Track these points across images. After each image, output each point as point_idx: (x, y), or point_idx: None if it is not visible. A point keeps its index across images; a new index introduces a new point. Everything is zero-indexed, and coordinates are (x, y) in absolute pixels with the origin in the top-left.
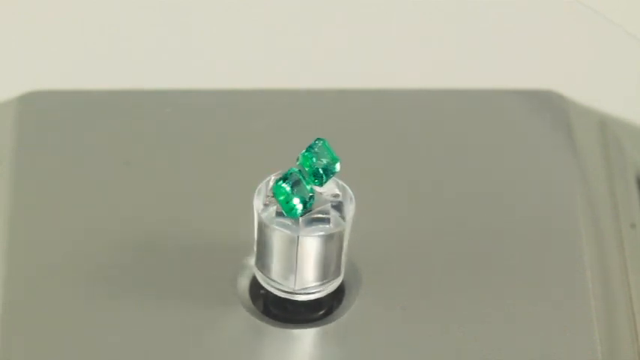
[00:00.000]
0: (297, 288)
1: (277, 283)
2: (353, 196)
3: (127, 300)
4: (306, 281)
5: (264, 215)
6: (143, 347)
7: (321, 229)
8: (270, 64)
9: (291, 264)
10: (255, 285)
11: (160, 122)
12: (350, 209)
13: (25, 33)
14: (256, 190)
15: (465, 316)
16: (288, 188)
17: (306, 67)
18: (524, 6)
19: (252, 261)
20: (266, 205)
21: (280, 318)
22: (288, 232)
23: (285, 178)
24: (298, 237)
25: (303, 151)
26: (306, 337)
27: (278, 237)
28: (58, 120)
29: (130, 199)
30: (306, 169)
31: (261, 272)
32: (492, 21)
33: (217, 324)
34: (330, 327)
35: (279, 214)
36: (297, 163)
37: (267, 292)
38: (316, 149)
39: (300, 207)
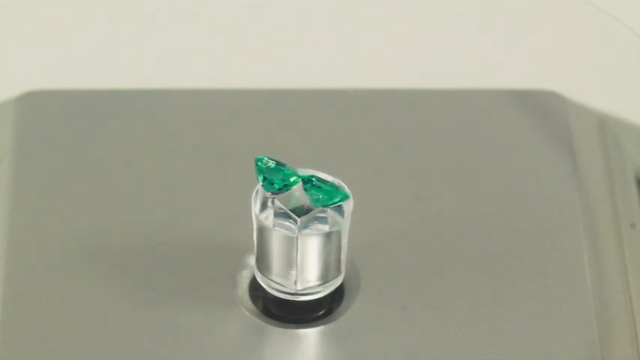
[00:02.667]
0: (298, 288)
1: (279, 285)
2: (350, 194)
3: (126, 300)
4: (307, 281)
5: (262, 217)
6: (143, 347)
7: (320, 228)
8: (270, 64)
9: (292, 264)
10: (255, 285)
11: (160, 122)
12: (348, 207)
13: (24, 33)
14: (254, 192)
15: (464, 316)
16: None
17: (306, 67)
18: (523, 6)
19: (252, 261)
20: (264, 207)
21: (280, 318)
22: (286, 232)
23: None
24: (297, 237)
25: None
26: (306, 337)
27: (277, 238)
28: (58, 120)
29: (130, 199)
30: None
31: (262, 274)
32: (492, 21)
33: (217, 324)
34: (330, 327)
35: (277, 215)
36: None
37: (267, 292)
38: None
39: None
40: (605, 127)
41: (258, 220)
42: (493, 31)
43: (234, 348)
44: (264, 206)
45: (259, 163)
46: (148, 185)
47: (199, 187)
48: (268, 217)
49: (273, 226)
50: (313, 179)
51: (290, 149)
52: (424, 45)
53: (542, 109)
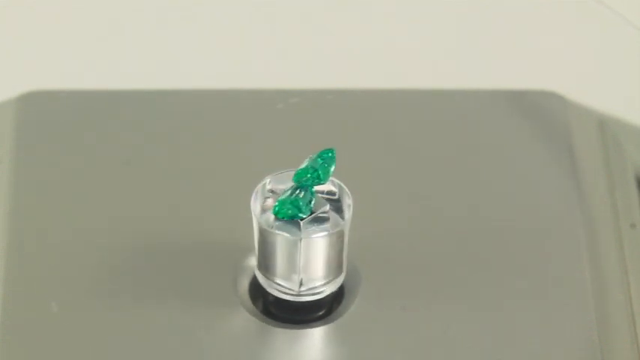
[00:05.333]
0: (300, 289)
1: (280, 286)
2: (350, 195)
3: (126, 300)
4: (308, 282)
5: (262, 219)
6: (143, 347)
7: (321, 230)
8: (271, 64)
9: (293, 266)
10: (255, 285)
11: (160, 122)
12: (348, 208)
13: (24, 33)
14: (253, 194)
15: (464, 316)
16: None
17: (306, 67)
18: (523, 6)
19: (252, 262)
20: (264, 209)
21: (280, 318)
22: (287, 234)
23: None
24: (299, 239)
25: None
26: (306, 337)
27: (277, 240)
28: (58, 120)
29: (130, 199)
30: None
31: (263, 275)
32: (493, 21)
33: (217, 324)
34: (330, 327)
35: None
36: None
37: (267, 292)
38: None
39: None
40: (605, 127)
41: (258, 223)
42: (493, 31)
43: (234, 348)
44: (264, 206)
45: (282, 211)
46: (148, 185)
47: (199, 187)
48: (268, 219)
49: (274, 228)
50: (315, 174)
51: (290, 149)
52: (424, 45)
53: (542, 109)
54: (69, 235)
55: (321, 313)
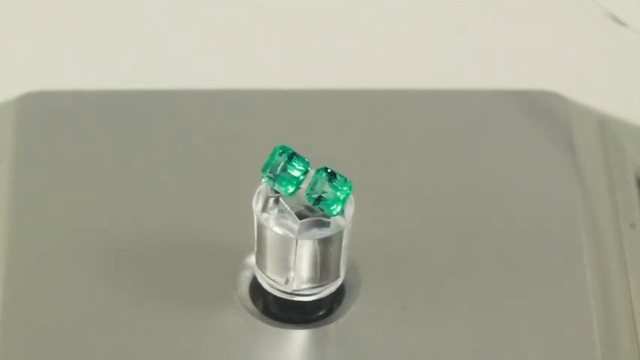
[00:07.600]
0: (297, 289)
1: (278, 285)
2: (352, 197)
3: (126, 300)
4: (306, 282)
5: (263, 218)
6: (143, 347)
7: (322, 231)
8: (270, 64)
9: (292, 266)
10: (255, 285)
11: (160, 122)
12: (349, 209)
13: (24, 33)
14: (255, 193)
15: (464, 316)
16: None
17: (306, 67)
18: (523, 6)
19: (252, 261)
20: (265, 208)
21: (280, 318)
22: (288, 234)
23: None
24: (298, 240)
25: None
26: (306, 338)
27: (278, 239)
28: (58, 120)
29: (130, 199)
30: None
31: (262, 273)
32: (493, 21)
33: (217, 324)
34: (330, 327)
35: (280, 215)
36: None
37: (268, 292)
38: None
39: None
40: (605, 127)
41: (259, 221)
42: (493, 31)
43: (234, 348)
44: (265, 206)
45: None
46: (148, 185)
47: (199, 187)
48: (269, 219)
49: (275, 227)
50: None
51: None
52: (424, 45)
53: (542, 109)
54: (69, 235)
55: (321, 314)
